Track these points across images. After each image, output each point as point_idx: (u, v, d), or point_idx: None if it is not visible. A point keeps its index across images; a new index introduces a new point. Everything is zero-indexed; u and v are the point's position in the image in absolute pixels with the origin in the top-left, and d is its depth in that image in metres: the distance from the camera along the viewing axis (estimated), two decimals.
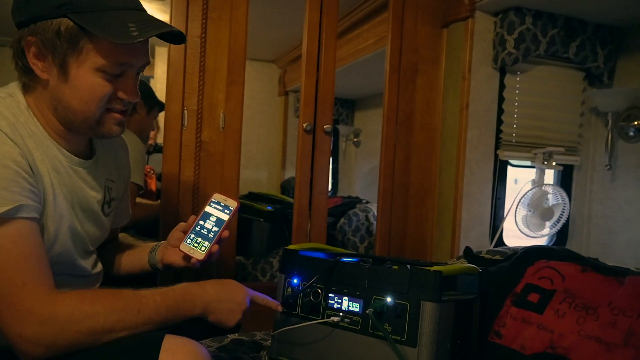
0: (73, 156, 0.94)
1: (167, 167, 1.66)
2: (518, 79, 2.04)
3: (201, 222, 1.01)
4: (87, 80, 0.85)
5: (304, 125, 1.81)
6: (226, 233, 1.01)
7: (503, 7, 1.89)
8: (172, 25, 1.62)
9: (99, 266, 1.07)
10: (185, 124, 1.67)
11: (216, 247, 1.00)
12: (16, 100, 0.89)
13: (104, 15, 0.84)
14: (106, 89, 0.87)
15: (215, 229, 1.00)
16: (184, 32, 1.64)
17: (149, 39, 0.87)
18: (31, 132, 0.88)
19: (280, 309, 1.03)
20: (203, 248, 0.99)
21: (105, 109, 0.89)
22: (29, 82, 0.89)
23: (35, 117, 0.90)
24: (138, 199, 1.79)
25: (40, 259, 0.81)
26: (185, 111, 1.67)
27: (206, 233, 1.00)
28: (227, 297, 0.95)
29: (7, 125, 0.82)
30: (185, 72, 1.67)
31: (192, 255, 0.99)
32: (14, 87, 0.91)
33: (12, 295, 0.77)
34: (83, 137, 0.97)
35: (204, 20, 1.67)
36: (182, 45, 1.66)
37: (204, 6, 1.67)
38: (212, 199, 1.03)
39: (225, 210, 1.02)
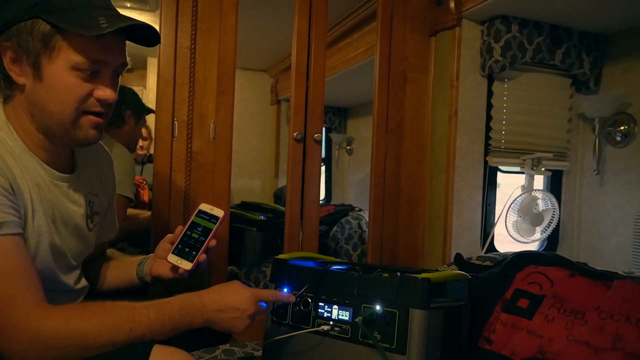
0: (54, 171, 0.94)
1: (158, 177, 1.67)
2: (506, 86, 2.07)
3: (188, 233, 1.01)
4: (61, 79, 0.85)
5: (295, 134, 1.82)
6: (213, 242, 1.01)
7: (489, 15, 1.92)
8: (162, 37, 1.65)
9: (83, 281, 1.06)
10: (176, 134, 1.67)
11: (204, 256, 1.00)
12: None
13: (75, 13, 0.84)
14: (82, 88, 0.87)
15: (202, 238, 1.00)
16: (174, 43, 1.67)
17: (132, 44, 0.90)
18: (10, 148, 0.87)
19: (293, 299, 1.01)
20: (190, 258, 0.99)
21: (81, 112, 0.88)
22: (7, 91, 0.89)
23: (15, 131, 0.89)
24: (130, 211, 1.78)
25: (27, 272, 0.81)
26: (176, 122, 1.67)
27: (193, 243, 1.00)
28: (228, 305, 0.92)
29: None
30: (175, 83, 1.67)
31: (179, 265, 0.99)
32: None
33: None
34: (63, 149, 0.97)
35: (193, 31, 1.68)
36: (172, 56, 1.66)
37: (193, 17, 1.68)
38: (199, 209, 1.03)
39: (212, 220, 1.02)
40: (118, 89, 0.93)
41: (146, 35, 0.92)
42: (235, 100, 1.75)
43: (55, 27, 0.83)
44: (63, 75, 0.85)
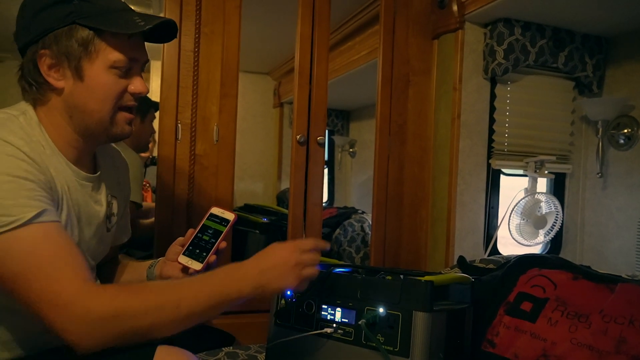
0: (80, 171, 0.98)
1: (162, 180, 1.67)
2: (509, 88, 2.07)
3: (199, 235, 1.04)
4: (101, 79, 0.92)
5: (297, 137, 1.82)
6: (224, 244, 1.03)
7: (492, 18, 1.92)
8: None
9: (97, 283, 1.08)
10: (179, 137, 1.68)
11: (214, 257, 1.02)
12: (29, 117, 0.93)
13: (108, 17, 0.92)
14: (119, 85, 0.94)
15: (212, 240, 1.03)
16: (178, 47, 1.67)
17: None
18: (43, 148, 0.92)
19: (328, 245, 1.02)
20: (201, 259, 1.01)
21: (117, 108, 0.96)
22: (41, 96, 0.94)
23: (46, 132, 0.94)
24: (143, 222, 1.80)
25: (72, 254, 0.84)
26: (179, 125, 1.68)
27: (204, 245, 1.03)
28: (269, 264, 0.92)
29: (25, 144, 0.87)
30: (179, 86, 1.68)
31: (190, 266, 1.01)
32: (24, 105, 0.95)
33: (49, 292, 0.79)
34: (92, 149, 1.02)
35: (196, 35, 1.69)
36: (176, 60, 1.67)
37: (197, 21, 1.69)
38: (211, 212, 1.06)
39: (223, 223, 1.04)
40: None
41: (165, 32, 1.00)
42: (238, 103, 1.76)
43: (94, 30, 0.90)
44: (102, 75, 0.92)
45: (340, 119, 2.88)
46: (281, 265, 0.92)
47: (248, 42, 1.79)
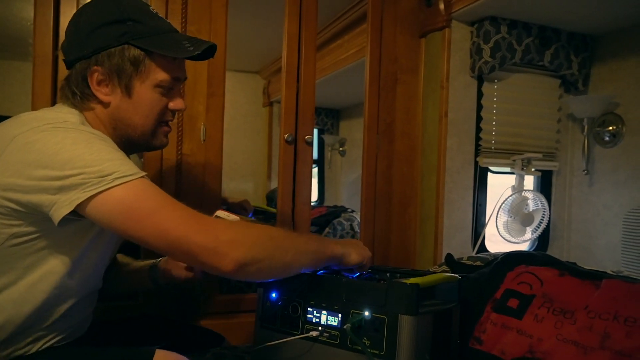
0: None
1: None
2: (496, 86, 2.08)
3: None
4: (147, 96, 1.00)
5: (285, 136, 1.81)
6: None
7: (478, 16, 1.93)
8: None
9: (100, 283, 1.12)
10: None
11: None
12: (83, 119, 0.98)
13: (159, 38, 0.98)
14: (162, 102, 1.02)
15: None
16: None
17: None
18: None
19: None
20: None
21: (159, 123, 1.04)
22: (83, 105, 0.99)
23: None
24: None
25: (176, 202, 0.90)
26: None
27: None
28: (349, 241, 1.14)
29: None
30: None
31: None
32: (67, 109, 0.99)
33: (191, 217, 0.87)
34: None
35: (183, 33, 1.68)
36: None
37: (183, 19, 1.68)
38: (216, 215, 1.09)
39: None
40: None
41: (205, 53, 1.04)
42: (227, 103, 1.75)
43: (145, 51, 0.97)
44: (149, 93, 1.00)
45: (330, 117, 2.88)
46: (357, 243, 1.13)
47: (237, 41, 1.78)
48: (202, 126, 1.71)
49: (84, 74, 0.97)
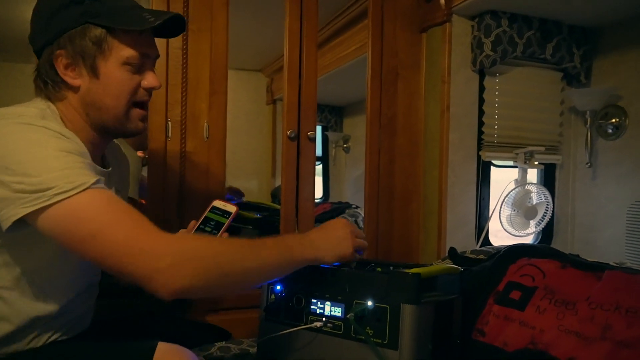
0: (97, 166, 0.99)
1: (152, 178, 1.67)
2: (497, 80, 2.08)
3: (201, 227, 1.06)
4: (115, 75, 0.96)
5: (288, 132, 1.83)
6: (225, 235, 1.05)
7: (479, 10, 1.93)
8: (155, 38, 1.66)
9: (99, 274, 1.13)
10: (170, 135, 1.68)
11: None
12: (52, 111, 0.96)
13: (119, 15, 0.95)
14: (132, 81, 0.98)
15: (214, 232, 1.05)
16: (166, 44, 1.67)
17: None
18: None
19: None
20: None
21: (132, 104, 1.00)
22: (57, 94, 0.97)
23: (67, 128, 0.95)
24: None
25: (135, 211, 0.87)
26: (169, 122, 1.68)
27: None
28: (330, 233, 1.04)
29: (64, 131, 0.91)
30: (168, 84, 1.68)
31: None
32: (43, 102, 0.98)
33: (131, 239, 0.82)
34: (104, 146, 1.06)
35: (184, 33, 1.69)
36: (164, 58, 1.66)
37: (184, 18, 1.69)
38: (213, 205, 1.08)
39: (225, 215, 1.07)
40: None
41: (173, 27, 1.03)
42: (230, 101, 1.76)
43: (106, 29, 0.94)
44: (116, 72, 0.96)
45: (334, 114, 2.88)
46: (341, 230, 1.04)
47: (240, 39, 1.79)
48: (205, 124, 1.72)
49: (50, 61, 0.95)
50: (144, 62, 0.99)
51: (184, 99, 1.70)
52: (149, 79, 1.01)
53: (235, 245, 0.91)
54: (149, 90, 1.02)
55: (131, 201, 1.70)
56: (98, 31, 0.93)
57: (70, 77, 0.96)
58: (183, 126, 1.70)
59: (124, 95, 0.98)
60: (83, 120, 0.98)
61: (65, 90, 0.97)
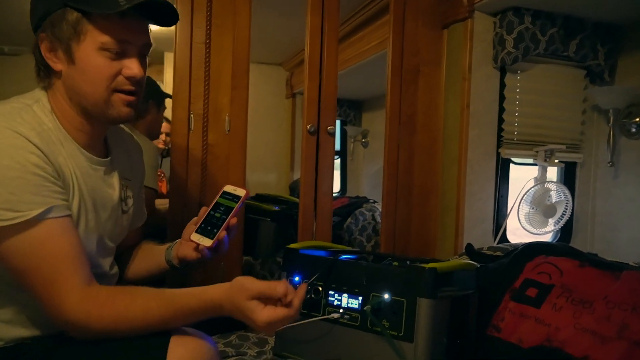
0: (92, 156, 1.00)
1: (175, 170, 1.71)
2: (518, 77, 2.06)
3: (212, 213, 1.04)
4: (91, 61, 0.92)
5: (308, 126, 1.85)
6: (234, 220, 1.04)
7: (501, 7, 1.92)
8: (177, 33, 1.69)
9: (115, 268, 1.12)
10: (192, 128, 1.72)
11: (224, 233, 1.02)
12: (42, 104, 0.95)
13: None
14: (110, 67, 0.93)
15: (224, 217, 1.03)
16: (189, 39, 1.70)
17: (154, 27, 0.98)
18: (55, 136, 0.93)
19: (304, 287, 0.93)
20: (211, 235, 1.02)
21: (112, 91, 0.94)
22: (49, 81, 0.97)
23: (57, 119, 0.96)
24: (158, 201, 1.83)
25: (71, 255, 0.87)
26: (192, 115, 1.71)
27: (215, 222, 1.03)
28: (245, 319, 0.90)
29: (36, 134, 0.89)
30: (191, 78, 1.71)
31: (201, 243, 1.02)
32: (39, 92, 0.98)
33: (47, 292, 0.84)
34: (101, 133, 1.03)
35: (208, 27, 1.72)
36: (188, 52, 1.70)
37: (208, 13, 1.72)
38: (223, 190, 1.07)
39: (235, 199, 1.05)
40: (146, 68, 0.99)
41: (166, 15, 0.98)
42: (250, 94, 1.78)
43: (82, 12, 0.90)
44: (92, 57, 0.92)
45: (353, 109, 2.89)
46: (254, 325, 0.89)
47: (260, 34, 1.81)
48: (226, 117, 1.75)
49: (37, 44, 0.94)
50: (125, 48, 0.94)
51: (206, 92, 1.73)
52: (129, 68, 0.94)
53: (144, 315, 0.87)
54: (131, 80, 0.95)
55: (152, 191, 1.74)
56: (75, 15, 0.90)
57: (52, 62, 0.94)
58: (205, 119, 1.73)
59: (100, 81, 0.93)
60: (70, 108, 0.96)
61: (53, 77, 0.96)
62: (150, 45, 0.99)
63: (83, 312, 0.84)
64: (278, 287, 0.86)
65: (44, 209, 0.84)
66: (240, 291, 0.87)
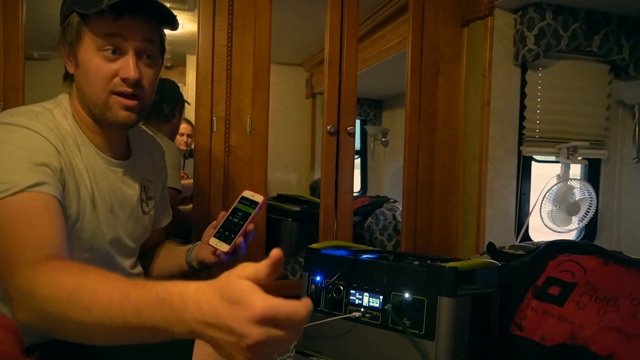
0: (110, 158, 1.02)
1: (198, 171, 1.75)
2: (540, 74, 2.04)
3: (230, 218, 1.06)
4: (89, 62, 0.94)
5: (328, 127, 1.86)
6: (251, 226, 1.05)
7: (522, 3, 1.90)
8: (200, 35, 1.72)
9: (139, 268, 1.14)
10: (214, 129, 1.75)
11: (240, 239, 1.04)
12: (64, 108, 0.99)
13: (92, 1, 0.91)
14: (106, 68, 0.93)
15: (241, 222, 1.05)
16: (212, 42, 1.73)
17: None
18: (72, 139, 0.96)
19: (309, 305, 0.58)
20: (229, 241, 1.04)
21: (110, 93, 0.94)
22: (70, 84, 1.01)
23: (77, 122, 0.99)
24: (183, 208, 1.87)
25: (45, 226, 0.81)
26: (214, 117, 1.74)
27: (233, 227, 1.05)
28: (220, 320, 0.56)
29: (52, 135, 0.92)
30: (213, 80, 1.74)
31: (218, 248, 1.04)
32: (62, 97, 1.02)
33: (4, 264, 0.77)
34: (117, 135, 1.04)
35: (229, 30, 1.75)
36: (210, 54, 1.73)
37: (229, 16, 1.75)
38: (242, 196, 1.09)
39: (252, 205, 1.06)
40: (151, 72, 0.98)
41: (159, 13, 0.96)
42: (270, 95, 1.81)
43: (80, 16, 0.93)
44: (90, 58, 0.94)
45: (373, 108, 2.89)
46: (232, 334, 0.55)
47: (280, 34, 1.83)
48: (248, 119, 1.78)
49: (60, 50, 0.99)
50: (120, 47, 0.93)
51: (228, 94, 1.76)
52: (124, 70, 0.93)
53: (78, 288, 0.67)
54: (126, 81, 0.94)
55: (175, 192, 1.77)
56: (77, 18, 0.94)
57: (68, 65, 0.99)
58: (227, 121, 1.76)
59: (97, 82, 0.93)
60: (82, 110, 0.99)
61: (72, 81, 1.00)
62: (149, 46, 0.97)
63: (27, 293, 0.71)
64: (299, 306, 0.56)
65: (36, 182, 0.83)
66: (228, 274, 0.59)
